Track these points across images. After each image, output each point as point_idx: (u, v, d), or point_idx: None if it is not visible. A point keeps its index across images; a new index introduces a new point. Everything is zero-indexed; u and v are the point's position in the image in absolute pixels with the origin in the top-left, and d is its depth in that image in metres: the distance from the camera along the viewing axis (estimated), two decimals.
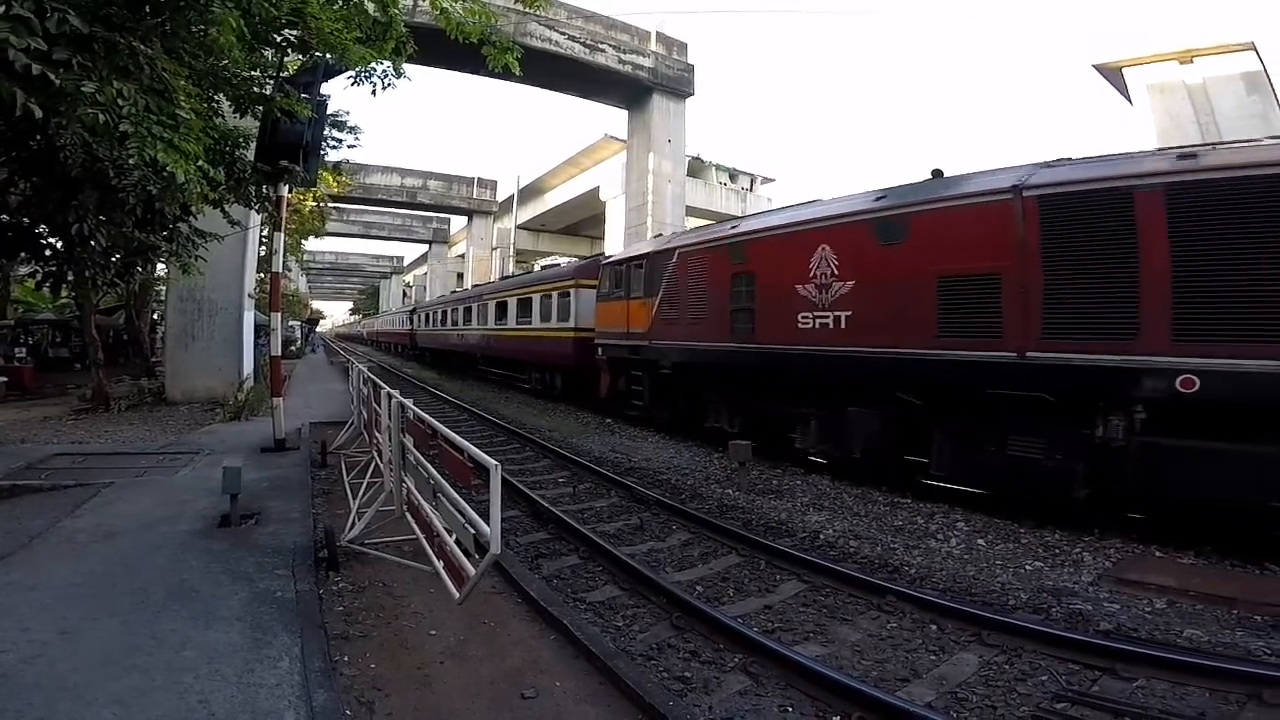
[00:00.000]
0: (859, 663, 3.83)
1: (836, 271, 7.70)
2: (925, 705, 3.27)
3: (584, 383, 14.94)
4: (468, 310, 24.01)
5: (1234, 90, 18.08)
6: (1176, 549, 5.50)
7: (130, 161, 5.06)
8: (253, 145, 8.52)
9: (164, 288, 17.63)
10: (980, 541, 5.88)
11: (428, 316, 32.28)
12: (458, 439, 3.57)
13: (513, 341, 18.96)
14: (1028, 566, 5.29)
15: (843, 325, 7.60)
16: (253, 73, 8.22)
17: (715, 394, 10.27)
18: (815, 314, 7.93)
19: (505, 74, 8.39)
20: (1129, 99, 21.00)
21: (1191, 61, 18.86)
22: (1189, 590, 4.65)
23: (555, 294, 16.10)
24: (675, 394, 11.17)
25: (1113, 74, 21.01)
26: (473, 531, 3.16)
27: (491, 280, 31.95)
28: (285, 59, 8.53)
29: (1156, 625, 4.21)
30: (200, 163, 5.49)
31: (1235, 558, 5.25)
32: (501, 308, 19.91)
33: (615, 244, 28.04)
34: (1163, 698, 3.37)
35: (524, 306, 18.02)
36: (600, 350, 13.16)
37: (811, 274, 7.99)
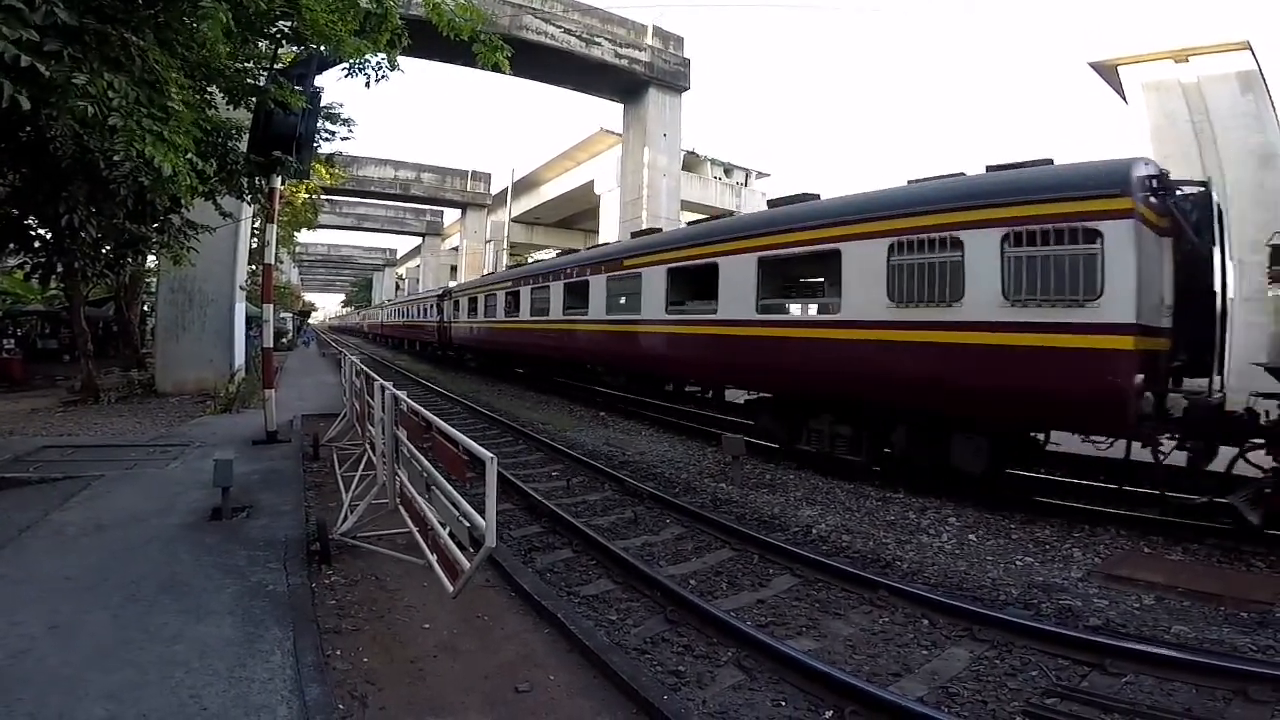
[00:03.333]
0: (851, 657, 3.86)
1: None
2: (917, 700, 3.29)
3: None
4: (570, 289, 14.30)
5: (1229, 89, 18.13)
6: (1165, 545, 5.56)
7: (119, 156, 5.02)
8: (245, 137, 8.46)
9: (154, 279, 17.53)
10: (971, 537, 5.91)
11: (473, 303, 21.91)
12: (452, 431, 3.57)
13: (731, 346, 9.24)
14: (1018, 562, 5.32)
15: None
16: (246, 64, 8.15)
17: None
18: None
19: (497, 69, 8.37)
20: (1124, 97, 21.05)
21: (1186, 60, 18.89)
22: (1177, 586, 4.70)
23: (1011, 239, 6.10)
24: None
25: (1108, 72, 21.04)
26: (467, 524, 3.15)
27: (543, 259, 24.05)
28: (279, 51, 8.47)
29: (1145, 621, 4.26)
30: (190, 155, 5.45)
31: (1222, 555, 5.31)
32: (681, 278, 10.58)
33: (610, 238, 28.02)
34: (1150, 693, 3.41)
35: (788, 277, 9.60)
36: None
37: None
